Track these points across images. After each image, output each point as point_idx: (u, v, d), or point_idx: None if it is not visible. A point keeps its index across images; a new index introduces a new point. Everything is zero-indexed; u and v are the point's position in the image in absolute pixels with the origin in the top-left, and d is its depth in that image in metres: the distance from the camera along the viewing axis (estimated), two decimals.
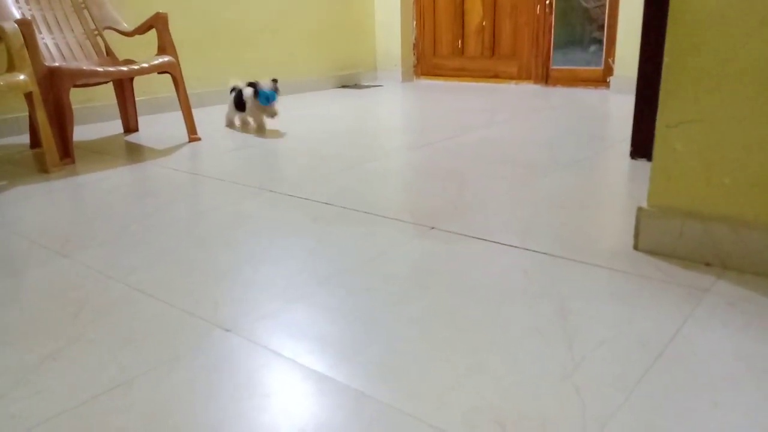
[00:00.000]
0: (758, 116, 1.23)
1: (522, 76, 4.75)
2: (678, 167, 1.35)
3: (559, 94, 4.25)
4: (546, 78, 4.64)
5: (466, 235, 1.56)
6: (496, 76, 4.88)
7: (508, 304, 1.20)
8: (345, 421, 0.87)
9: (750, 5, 1.19)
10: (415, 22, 5.19)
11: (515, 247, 1.48)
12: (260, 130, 3.13)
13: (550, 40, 4.56)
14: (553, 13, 4.51)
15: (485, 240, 1.53)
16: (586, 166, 2.26)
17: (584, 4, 4.43)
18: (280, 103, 3.20)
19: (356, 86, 4.99)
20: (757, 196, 1.27)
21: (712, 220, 1.32)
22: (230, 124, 3.27)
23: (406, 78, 5.26)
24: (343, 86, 5.01)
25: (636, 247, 1.44)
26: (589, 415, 0.87)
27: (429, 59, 5.23)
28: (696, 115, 1.30)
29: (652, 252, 1.41)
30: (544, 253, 1.44)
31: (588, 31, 4.42)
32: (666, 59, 1.32)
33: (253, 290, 1.29)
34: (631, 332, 1.09)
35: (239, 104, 3.12)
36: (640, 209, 1.41)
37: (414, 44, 5.25)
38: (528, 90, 4.49)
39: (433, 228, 1.63)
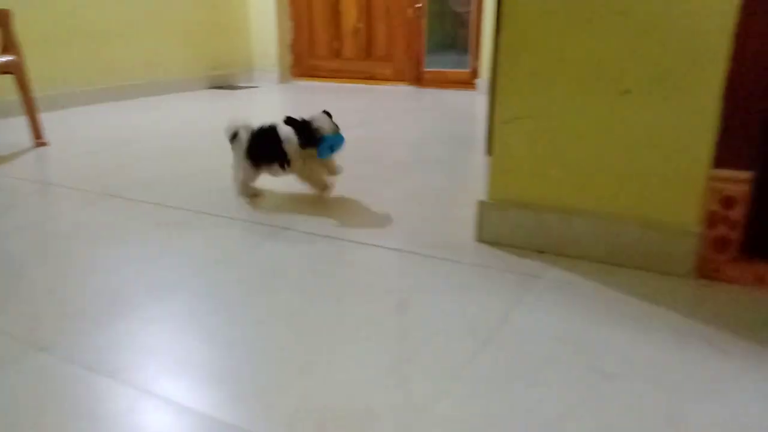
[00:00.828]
0: (581, 111, 1.31)
1: (396, 77, 4.84)
2: (512, 161, 1.41)
3: (430, 95, 4.37)
4: (419, 80, 4.75)
5: (319, 235, 1.55)
6: (372, 77, 4.94)
7: (352, 302, 1.20)
8: None
9: (576, 4, 1.27)
10: (291, 23, 5.13)
11: (367, 244, 1.49)
12: (323, 190, 1.85)
13: (422, 42, 4.68)
14: (425, 16, 4.63)
15: (338, 239, 1.52)
16: (447, 164, 2.33)
17: (455, 8, 4.59)
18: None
19: (230, 87, 4.85)
20: (580, 186, 1.35)
21: (544, 210, 1.39)
22: (248, 192, 1.88)
23: (283, 79, 5.19)
24: (217, 87, 4.86)
25: (478, 239, 1.49)
26: (412, 404, 0.89)
27: (306, 60, 5.19)
28: (526, 111, 1.37)
29: (493, 243, 1.47)
30: (395, 249, 1.45)
31: (459, 34, 4.58)
32: (498, 58, 1.38)
33: (76, 305, 1.20)
34: (464, 321, 1.12)
35: (262, 154, 1.79)
36: (480, 203, 1.47)
37: (291, 45, 5.19)
38: (402, 91, 4.58)
39: (287, 229, 1.60)
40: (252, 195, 1.87)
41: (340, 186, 1.92)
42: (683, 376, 0.95)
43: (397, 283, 1.28)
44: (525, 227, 1.42)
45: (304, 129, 1.72)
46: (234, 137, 1.84)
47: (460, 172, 2.22)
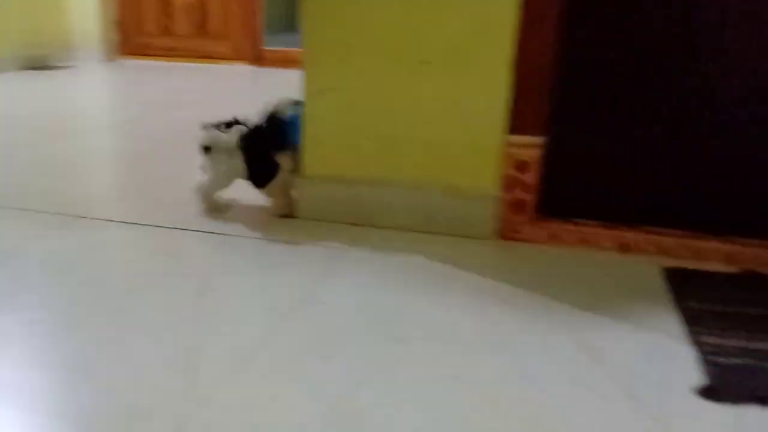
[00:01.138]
0: (385, 82, 1.31)
1: (236, 56, 4.64)
2: (323, 135, 1.38)
3: (272, 75, 4.25)
4: (260, 59, 4.60)
5: (116, 221, 1.42)
6: (208, 56, 4.70)
7: (147, 291, 1.10)
8: None
9: None
10: None
11: (168, 228, 1.38)
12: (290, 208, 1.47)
13: (260, 20, 4.53)
14: None
15: (137, 224, 1.40)
16: None
17: None
18: None
19: (46, 68, 4.37)
20: (389, 157, 1.35)
21: (357, 183, 1.38)
22: (215, 205, 1.49)
23: (109, 58, 4.77)
24: (31, 68, 4.36)
25: (297, 216, 1.45)
26: (193, 397, 0.82)
27: (134, 38, 4.82)
28: (333, 82, 1.34)
29: (308, 218, 1.43)
30: (203, 232, 1.37)
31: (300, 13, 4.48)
32: (304, 30, 1.34)
33: None
34: (265, 301, 1.07)
35: (259, 151, 1.42)
36: (298, 178, 1.43)
37: (116, 21, 4.78)
38: (241, 71, 4.41)
39: (81, 217, 1.45)
40: (217, 208, 1.49)
41: (145, 169, 1.78)
42: (475, 335, 0.98)
43: (201, 267, 1.20)
44: (339, 201, 1.40)
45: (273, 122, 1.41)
46: (208, 148, 1.45)
47: None
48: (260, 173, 1.43)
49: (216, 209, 1.48)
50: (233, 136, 1.43)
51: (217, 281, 1.14)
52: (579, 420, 0.79)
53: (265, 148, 1.42)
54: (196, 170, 1.52)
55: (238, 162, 1.43)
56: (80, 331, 0.97)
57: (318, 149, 1.40)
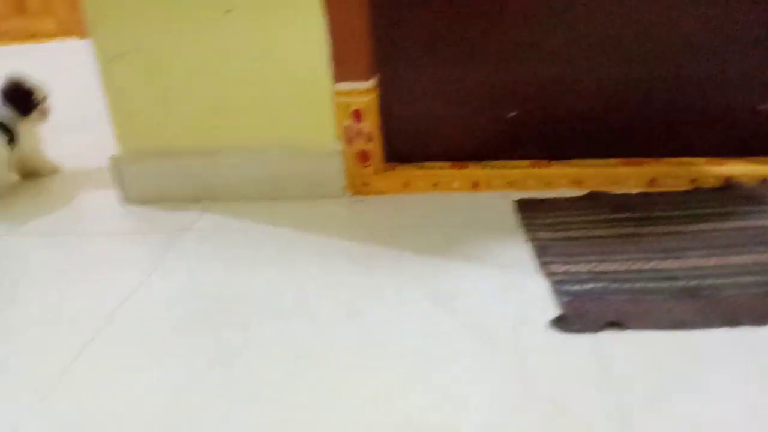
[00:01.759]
0: (190, 39, 1.15)
1: (64, 32, 4.17)
2: (133, 104, 1.21)
3: None
4: None
5: None
6: (32, 36, 4.18)
7: None
8: None
9: None
10: None
11: None
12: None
13: None
14: None
15: None
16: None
17: None
18: None
19: None
20: (214, 122, 1.22)
21: (186, 153, 1.24)
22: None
23: None
24: None
25: (126, 201, 1.28)
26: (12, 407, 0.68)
27: None
28: (130, 44, 1.16)
29: (142, 201, 1.27)
30: (24, 235, 1.17)
31: None
32: None
33: None
34: (84, 305, 0.92)
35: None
36: (112, 158, 1.25)
37: None
38: (72, 47, 3.97)
39: None
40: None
41: None
42: (323, 305, 0.89)
43: (20, 273, 1.03)
44: (170, 176, 1.25)
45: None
46: None
47: None
48: None
49: None
50: None
51: (29, 290, 0.97)
52: (434, 376, 0.73)
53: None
54: None
55: None
56: None
57: (130, 121, 1.22)
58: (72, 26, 4.14)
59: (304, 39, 1.13)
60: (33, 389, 0.75)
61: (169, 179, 1.25)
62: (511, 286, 0.89)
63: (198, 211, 1.22)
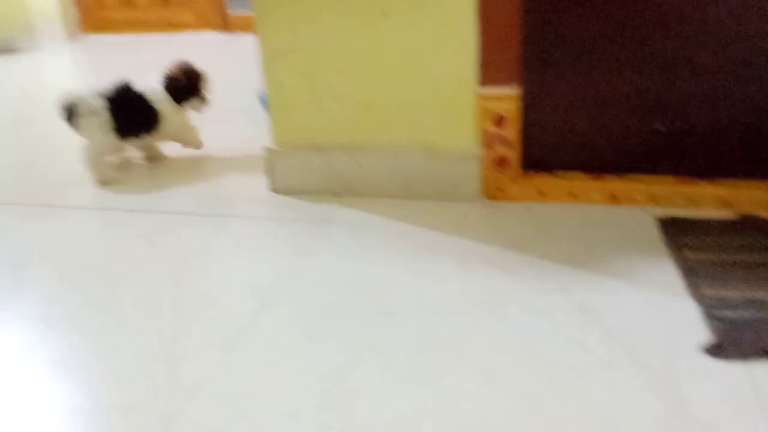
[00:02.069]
0: (345, 40, 1.22)
1: (200, 24, 4.47)
2: (290, 101, 1.30)
3: (240, 42, 4.09)
4: (226, 25, 4.43)
5: (84, 208, 1.35)
6: (172, 26, 4.52)
7: (120, 279, 1.04)
8: None
9: None
10: None
11: (139, 211, 1.31)
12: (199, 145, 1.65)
13: None
14: None
15: (104, 210, 1.33)
16: (252, 113, 2.16)
17: None
18: None
19: (7, 51, 4.18)
20: (361, 120, 1.28)
21: (332, 149, 1.31)
22: (107, 175, 1.48)
23: (71, 36, 4.58)
24: None
25: (273, 190, 1.38)
26: (178, 391, 0.77)
27: (94, 12, 4.62)
28: (294, 45, 1.25)
29: (288, 192, 1.37)
30: (175, 213, 1.30)
31: None
32: None
33: None
34: (247, 282, 1.02)
35: (131, 121, 1.47)
36: (268, 150, 1.35)
37: None
38: (208, 39, 4.25)
39: (51, 206, 1.37)
40: (110, 178, 1.47)
41: None
42: (465, 303, 0.93)
43: (174, 251, 1.14)
44: (316, 170, 1.33)
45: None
46: (71, 114, 1.43)
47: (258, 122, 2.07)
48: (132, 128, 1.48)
49: (108, 179, 1.46)
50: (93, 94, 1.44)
51: (194, 265, 1.08)
52: (582, 387, 0.75)
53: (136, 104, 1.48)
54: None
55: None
56: (59, 327, 0.91)
57: (287, 116, 1.32)
58: (208, 19, 4.43)
59: (454, 42, 1.17)
60: (212, 353, 0.84)
61: (314, 173, 1.34)
62: (659, 305, 0.89)
63: (338, 204, 1.30)
